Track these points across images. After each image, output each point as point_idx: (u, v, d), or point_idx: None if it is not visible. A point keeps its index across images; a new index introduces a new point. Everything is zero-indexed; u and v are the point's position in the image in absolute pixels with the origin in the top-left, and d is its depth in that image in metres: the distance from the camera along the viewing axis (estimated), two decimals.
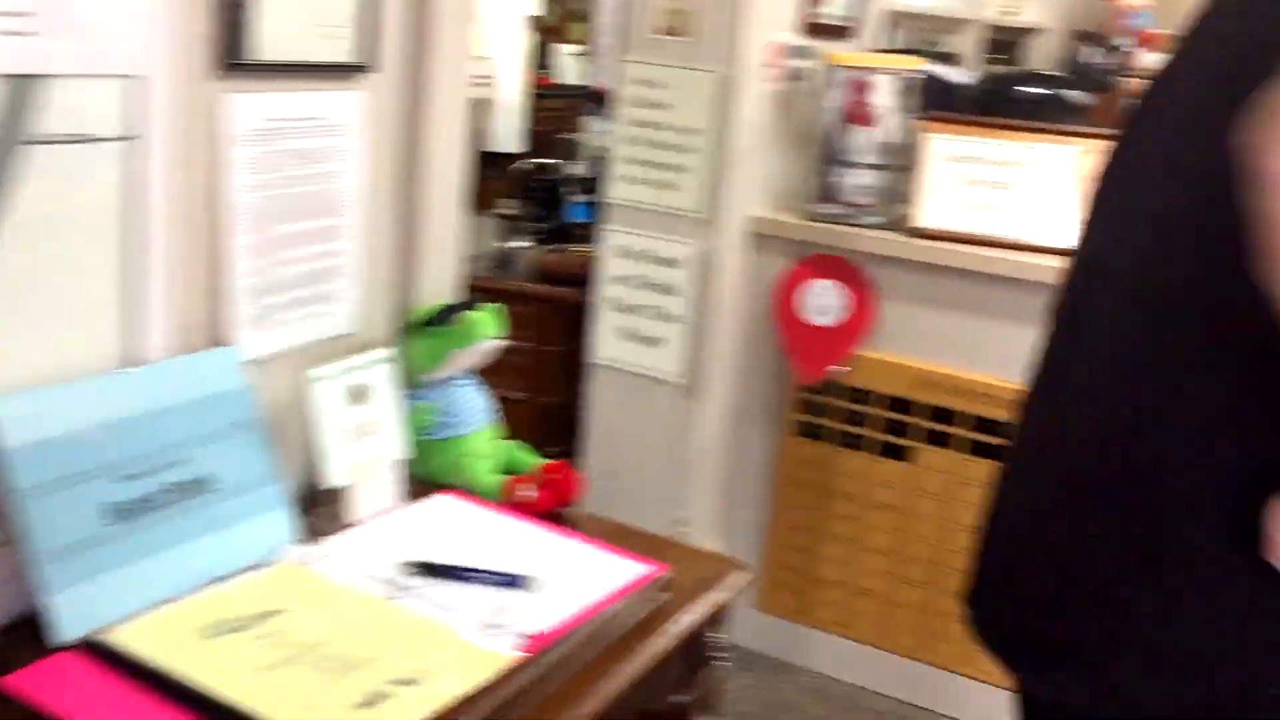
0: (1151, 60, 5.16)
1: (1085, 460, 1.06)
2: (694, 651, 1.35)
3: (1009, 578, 1.10)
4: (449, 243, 1.61)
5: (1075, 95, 2.85)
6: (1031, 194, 2.54)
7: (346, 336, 1.44)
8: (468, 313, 1.45)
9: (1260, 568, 0.92)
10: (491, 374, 1.45)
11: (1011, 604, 1.09)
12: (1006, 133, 2.62)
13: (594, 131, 3.35)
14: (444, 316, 1.45)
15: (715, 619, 1.39)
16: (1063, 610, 1.06)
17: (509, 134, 3.85)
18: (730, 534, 2.79)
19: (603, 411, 2.66)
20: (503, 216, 3.43)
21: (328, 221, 1.38)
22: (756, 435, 2.74)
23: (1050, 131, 2.62)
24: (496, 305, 1.46)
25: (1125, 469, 1.02)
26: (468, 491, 1.43)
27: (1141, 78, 4.60)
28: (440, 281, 1.59)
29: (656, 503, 2.63)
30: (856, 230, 2.58)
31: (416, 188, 1.51)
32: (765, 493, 2.75)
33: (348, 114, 1.38)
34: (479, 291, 2.83)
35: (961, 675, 2.58)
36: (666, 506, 2.64)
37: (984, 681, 2.56)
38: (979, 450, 2.51)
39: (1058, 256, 2.51)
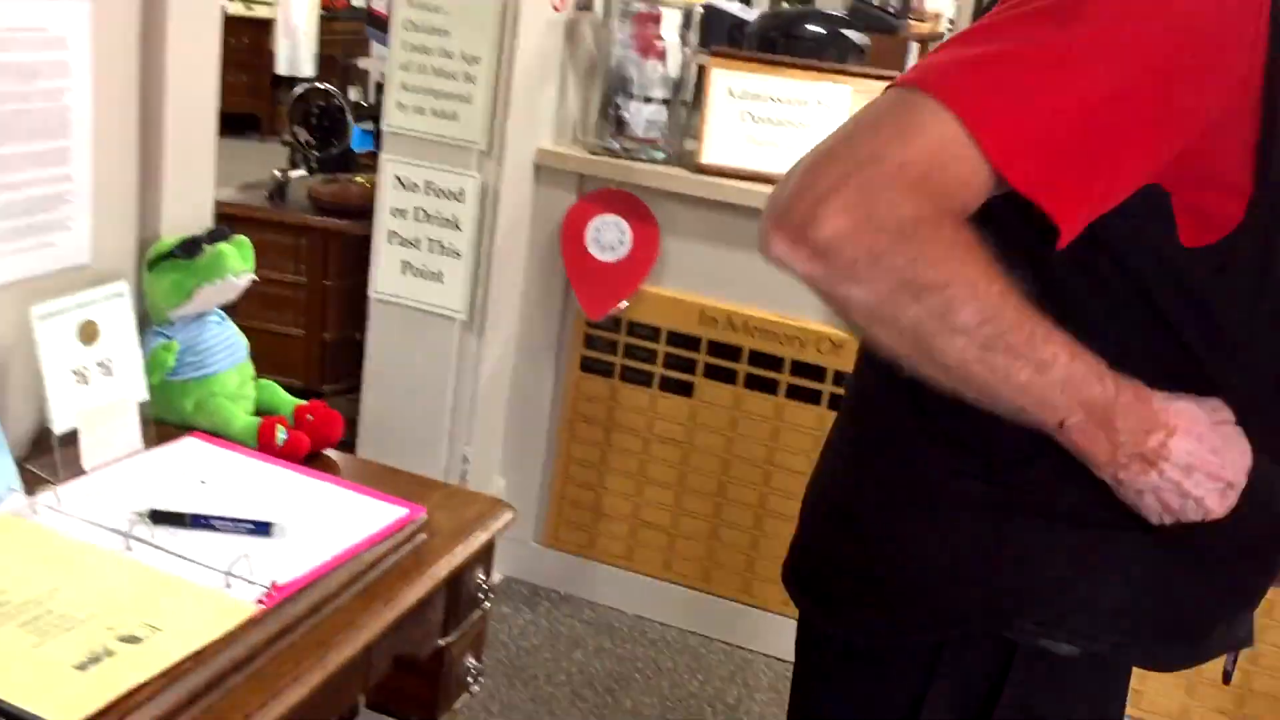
0: (933, 3, 5.32)
1: (860, 408, 1.08)
2: (459, 594, 1.33)
3: (804, 518, 1.12)
4: (201, 169, 1.51)
5: (857, 35, 2.90)
6: (813, 132, 2.58)
7: (78, 269, 1.33)
8: (216, 245, 1.36)
9: (996, 500, 0.95)
10: (266, 309, 1.37)
11: (800, 540, 1.12)
12: (788, 70, 2.65)
13: (376, 57, 3.22)
14: (189, 249, 1.36)
15: (481, 560, 1.37)
16: (835, 546, 1.07)
17: (297, 57, 3.66)
18: (515, 470, 2.77)
19: (383, 348, 2.58)
20: (284, 144, 3.28)
21: (53, 143, 1.27)
22: (542, 371, 2.72)
23: (831, 71, 2.66)
24: (243, 238, 1.38)
25: (882, 412, 1.04)
26: (218, 434, 1.36)
27: (923, 20, 4.70)
28: (189, 211, 1.49)
29: (440, 441, 2.58)
30: (642, 165, 2.57)
31: (158, 109, 1.41)
32: (550, 429, 2.74)
33: (73, 24, 1.26)
34: (252, 223, 2.71)
35: (739, 603, 2.65)
36: (450, 444, 2.59)
37: (761, 608, 2.65)
38: (760, 385, 2.57)
39: None
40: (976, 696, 0.97)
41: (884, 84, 2.88)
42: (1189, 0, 0.81)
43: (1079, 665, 0.97)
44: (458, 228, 2.47)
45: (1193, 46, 0.80)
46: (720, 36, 2.97)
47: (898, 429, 1.01)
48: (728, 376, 2.59)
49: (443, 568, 1.24)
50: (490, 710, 2.32)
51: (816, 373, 2.52)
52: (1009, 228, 0.84)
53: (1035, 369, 0.83)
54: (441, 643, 1.31)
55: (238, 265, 1.35)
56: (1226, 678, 1.13)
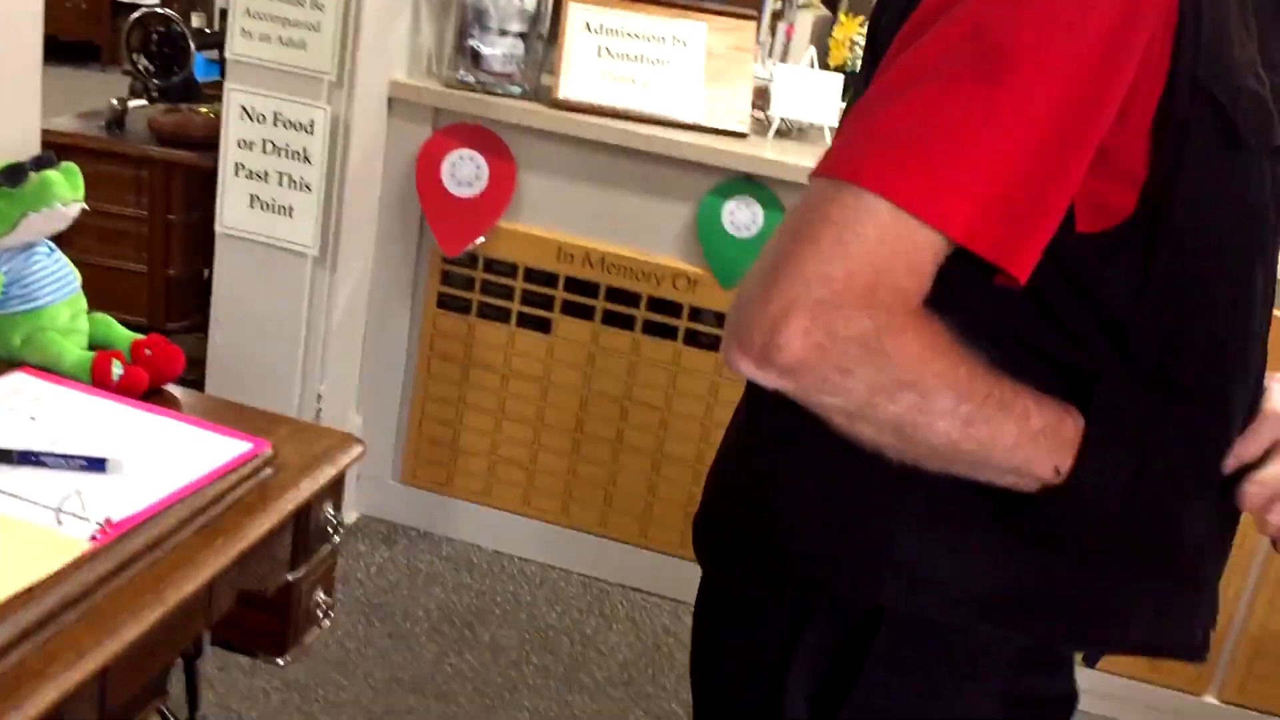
0: None
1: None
2: (306, 529, 1.32)
3: (710, 472, 1.12)
4: (25, 93, 1.44)
5: None
6: (669, 69, 2.58)
7: None
8: (42, 172, 1.30)
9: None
10: (106, 244, 1.32)
11: (705, 490, 1.12)
12: (644, 6, 2.64)
13: None
14: (13, 176, 1.30)
15: (329, 494, 1.36)
16: (725, 496, 1.08)
17: None
18: (372, 408, 2.74)
19: (232, 285, 2.51)
20: (124, 73, 3.13)
21: None
22: (398, 308, 2.69)
23: (686, 7, 2.66)
24: (73, 165, 1.32)
25: None
26: (48, 370, 1.31)
27: None
28: (15, 137, 1.42)
29: (293, 379, 2.53)
30: (499, 100, 2.54)
31: None
32: (407, 366, 2.72)
33: None
34: (88, 153, 2.59)
35: (597, 536, 2.69)
36: (304, 382, 2.55)
37: (619, 541, 2.69)
38: (617, 321, 2.59)
39: (693, 132, 2.59)
40: (844, 650, 0.97)
41: (741, 21, 2.87)
42: (1103, 18, 0.79)
43: (961, 632, 0.96)
44: (308, 161, 2.41)
45: (1112, 57, 0.80)
46: None
47: (798, 409, 1.02)
48: (585, 313, 2.60)
49: (288, 502, 1.23)
50: (346, 648, 2.32)
51: (673, 309, 2.55)
52: None
53: (1016, 425, 0.85)
54: (289, 578, 1.30)
55: (66, 193, 1.29)
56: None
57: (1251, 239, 0.90)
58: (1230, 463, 0.94)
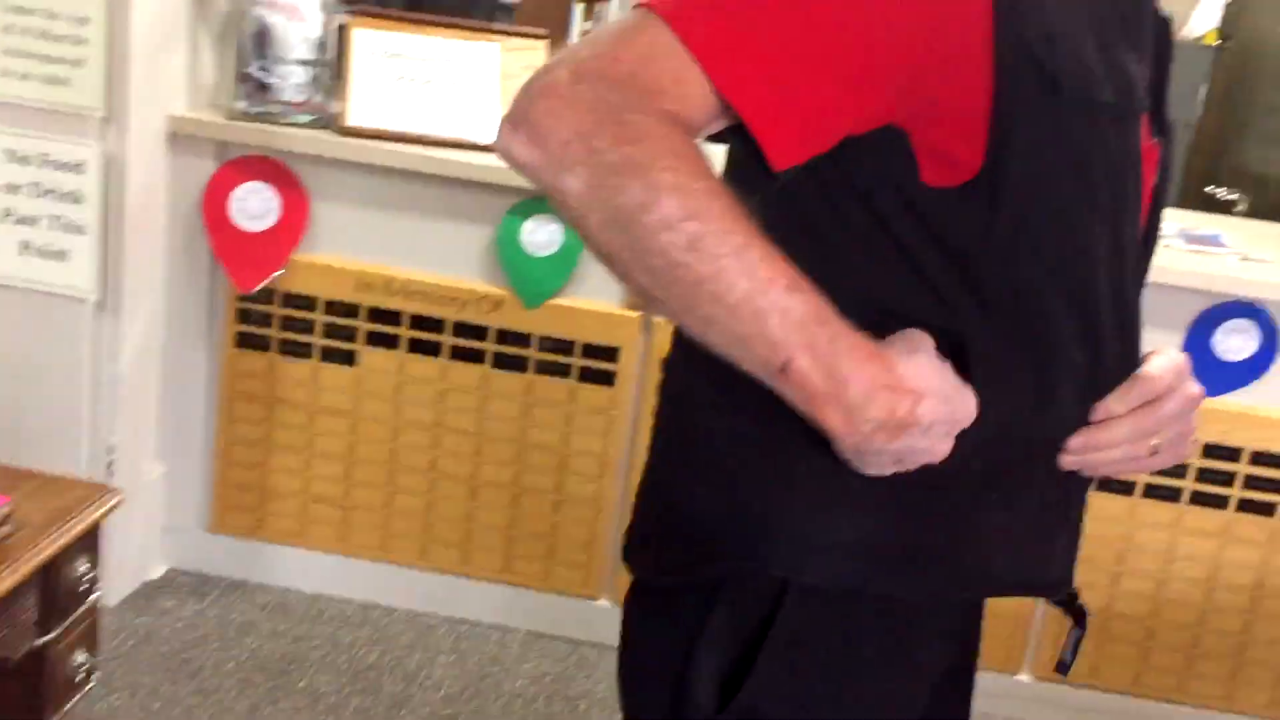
0: None
1: (664, 374, 1.08)
2: (55, 588, 1.25)
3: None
4: None
5: None
6: (459, 91, 2.56)
7: None
8: None
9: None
10: None
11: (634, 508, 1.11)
12: (433, 29, 2.61)
13: None
14: None
15: (83, 549, 1.29)
16: (640, 494, 1.08)
17: None
18: (173, 456, 2.63)
19: (4, 337, 2.37)
20: None
21: None
22: (193, 350, 2.58)
23: (477, 29, 2.64)
24: None
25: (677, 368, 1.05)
26: None
27: None
28: None
29: (79, 432, 2.41)
30: (287, 129, 2.47)
31: None
32: (208, 409, 2.62)
33: None
34: None
35: (418, 569, 2.63)
36: (93, 434, 2.43)
37: (441, 571, 2.64)
38: (423, 349, 2.54)
39: (491, 153, 2.57)
40: (751, 629, 0.96)
41: (533, 42, 2.86)
42: None
43: (862, 602, 0.96)
44: (80, 202, 2.30)
45: None
46: None
47: (686, 381, 1.02)
48: (390, 342, 2.54)
49: (27, 561, 1.16)
50: (149, 709, 2.20)
51: (479, 332, 2.52)
52: (752, 172, 0.85)
53: (751, 286, 0.80)
54: (39, 642, 1.23)
55: None
56: (1063, 668, 1.12)
57: (1090, 195, 0.93)
58: (1098, 413, 0.98)
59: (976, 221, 0.90)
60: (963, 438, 0.90)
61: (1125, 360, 1.01)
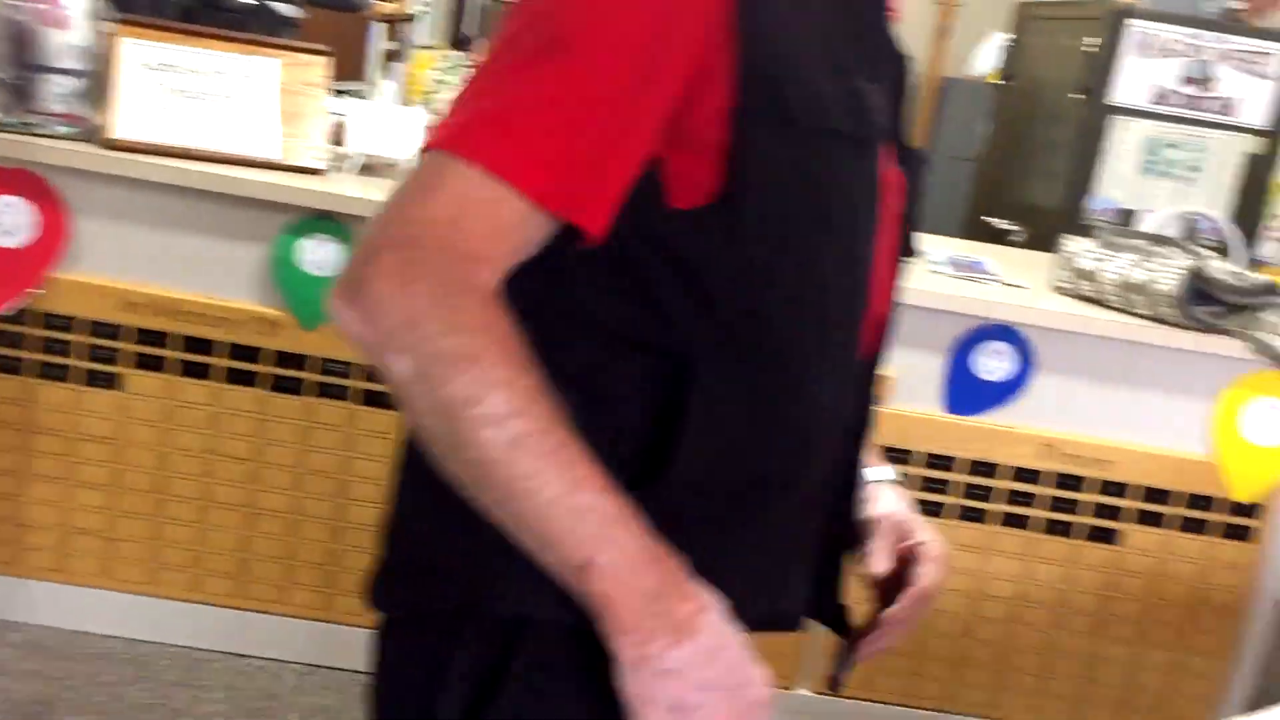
0: None
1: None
2: None
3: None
4: None
5: (288, 8, 2.82)
6: (237, 106, 2.48)
7: None
8: None
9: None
10: None
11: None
12: (209, 41, 2.53)
13: None
14: None
15: None
16: (386, 533, 1.06)
17: None
18: None
19: None
20: None
21: None
22: None
23: (253, 43, 2.57)
24: None
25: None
26: None
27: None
28: None
29: None
30: (45, 141, 2.35)
31: None
32: None
33: None
34: None
35: (189, 602, 2.52)
36: None
37: (214, 604, 2.53)
38: (194, 372, 2.44)
39: (269, 170, 2.50)
40: (488, 665, 0.95)
41: (312, 57, 2.81)
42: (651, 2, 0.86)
43: (597, 638, 0.92)
44: None
45: (664, 34, 0.86)
46: (136, 5, 2.78)
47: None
48: (158, 365, 2.43)
49: None
50: None
51: (252, 354, 2.44)
52: None
53: (564, 486, 0.82)
54: None
55: None
56: (834, 683, 1.16)
57: (824, 221, 0.95)
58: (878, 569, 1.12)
59: (711, 243, 0.91)
60: (688, 468, 0.92)
61: (860, 393, 1.05)
